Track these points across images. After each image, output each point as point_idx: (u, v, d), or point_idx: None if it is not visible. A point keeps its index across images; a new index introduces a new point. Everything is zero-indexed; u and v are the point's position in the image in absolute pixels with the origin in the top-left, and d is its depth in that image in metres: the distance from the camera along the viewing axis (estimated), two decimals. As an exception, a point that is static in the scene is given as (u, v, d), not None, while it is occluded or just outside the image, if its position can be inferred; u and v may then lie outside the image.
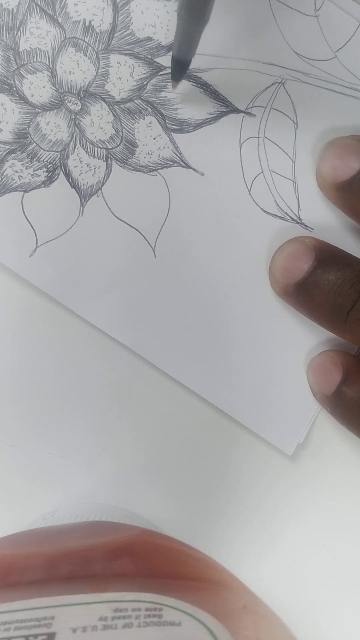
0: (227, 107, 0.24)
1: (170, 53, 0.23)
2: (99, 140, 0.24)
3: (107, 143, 0.24)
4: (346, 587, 0.27)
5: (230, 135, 0.24)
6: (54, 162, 0.24)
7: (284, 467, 0.26)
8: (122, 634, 0.14)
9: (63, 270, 0.25)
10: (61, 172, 0.24)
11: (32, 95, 0.24)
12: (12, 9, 0.23)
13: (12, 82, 0.23)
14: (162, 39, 0.23)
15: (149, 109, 0.24)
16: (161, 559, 0.18)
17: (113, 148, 0.24)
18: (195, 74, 0.24)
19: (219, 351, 0.25)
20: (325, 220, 0.25)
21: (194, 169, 0.24)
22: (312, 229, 0.25)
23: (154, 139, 0.24)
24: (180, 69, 0.22)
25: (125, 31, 0.23)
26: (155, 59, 0.23)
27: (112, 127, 0.24)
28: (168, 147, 0.24)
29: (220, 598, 0.17)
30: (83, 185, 0.24)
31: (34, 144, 0.24)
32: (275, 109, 0.24)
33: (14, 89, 0.24)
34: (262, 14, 0.23)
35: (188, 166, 0.24)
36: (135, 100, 0.24)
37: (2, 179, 0.24)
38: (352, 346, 0.26)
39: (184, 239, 0.25)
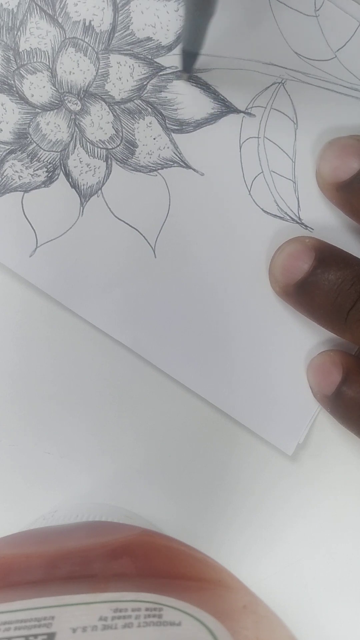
0: (227, 107, 0.24)
1: (171, 53, 0.23)
2: (99, 140, 0.24)
3: (107, 143, 0.24)
4: (346, 587, 0.27)
5: (230, 136, 0.24)
6: (54, 162, 0.24)
7: (284, 467, 0.26)
8: (122, 634, 0.14)
9: (63, 270, 0.25)
10: (61, 172, 0.24)
11: (32, 95, 0.24)
12: (12, 9, 0.23)
13: (12, 82, 0.23)
14: (162, 39, 0.23)
15: (149, 109, 0.24)
16: (161, 559, 0.18)
17: (113, 148, 0.24)
18: (195, 74, 0.24)
19: (218, 351, 0.25)
20: (325, 220, 0.25)
21: (194, 169, 0.24)
22: (312, 229, 0.25)
23: (154, 139, 0.24)
24: (189, 60, 0.23)
25: (125, 31, 0.23)
26: (155, 59, 0.23)
27: (112, 127, 0.24)
28: (168, 147, 0.24)
29: (220, 598, 0.17)
30: (83, 185, 0.24)
31: (34, 144, 0.24)
32: (275, 109, 0.24)
33: (14, 89, 0.24)
34: (262, 13, 0.23)
35: (188, 166, 0.24)
36: (135, 101, 0.24)
37: (2, 179, 0.24)
38: (352, 346, 0.26)
39: (184, 239, 0.25)
